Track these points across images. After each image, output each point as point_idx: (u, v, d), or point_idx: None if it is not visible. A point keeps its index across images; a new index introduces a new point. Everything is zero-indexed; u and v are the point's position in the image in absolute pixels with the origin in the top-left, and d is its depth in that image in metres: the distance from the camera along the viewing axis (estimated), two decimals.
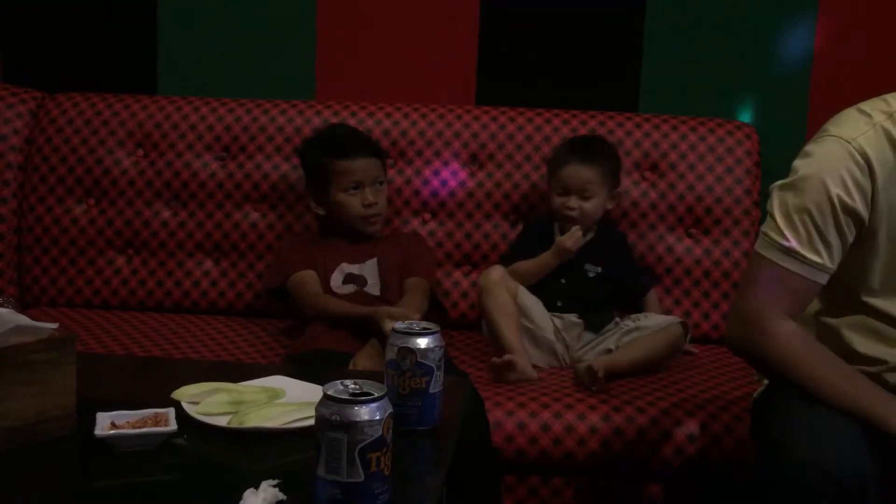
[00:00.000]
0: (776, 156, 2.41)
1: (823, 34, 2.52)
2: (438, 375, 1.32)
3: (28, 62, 2.70)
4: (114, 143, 2.43)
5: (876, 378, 1.46)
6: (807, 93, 2.53)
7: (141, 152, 2.44)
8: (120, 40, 2.70)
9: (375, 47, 2.50)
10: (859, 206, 1.39)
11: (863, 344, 1.49)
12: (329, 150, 2.19)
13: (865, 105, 1.45)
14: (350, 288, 2.16)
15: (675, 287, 2.34)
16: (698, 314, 2.33)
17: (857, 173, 1.38)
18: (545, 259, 2.17)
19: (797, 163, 1.44)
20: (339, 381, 1.09)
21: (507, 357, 1.97)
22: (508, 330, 2.05)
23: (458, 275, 2.39)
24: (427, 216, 2.40)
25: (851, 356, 1.47)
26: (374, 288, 2.17)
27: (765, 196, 2.34)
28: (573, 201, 2.19)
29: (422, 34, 2.61)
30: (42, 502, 1.14)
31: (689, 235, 2.36)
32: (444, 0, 2.60)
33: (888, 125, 1.40)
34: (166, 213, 2.42)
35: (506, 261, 2.22)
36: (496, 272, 2.12)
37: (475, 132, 2.42)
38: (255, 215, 2.41)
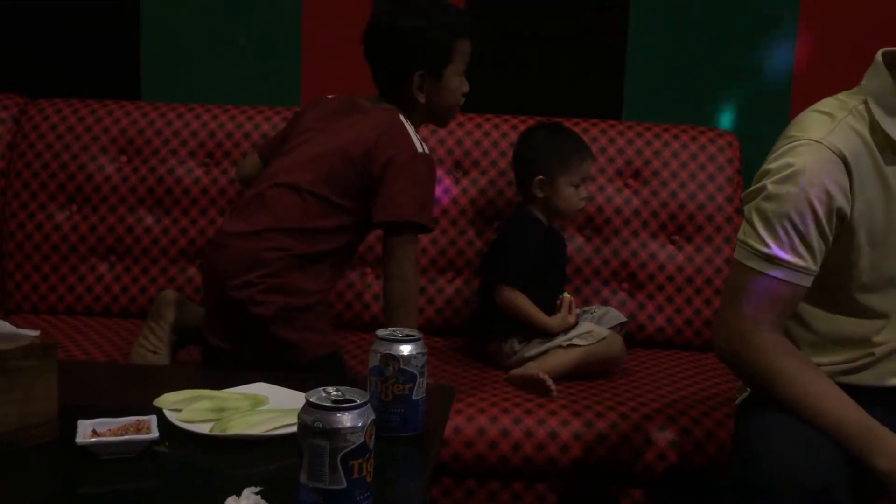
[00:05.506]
0: (757, 164, 2.41)
1: (804, 43, 2.54)
2: (421, 382, 1.33)
3: (10, 67, 2.69)
4: (97, 150, 2.42)
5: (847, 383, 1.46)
6: (787, 101, 2.55)
7: (124, 158, 2.43)
8: (103, 46, 2.69)
9: (360, 54, 2.51)
10: (841, 202, 1.39)
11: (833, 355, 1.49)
12: (458, 28, 1.95)
13: (821, 106, 1.46)
14: None
15: (658, 293, 2.35)
16: (681, 321, 2.34)
17: (836, 171, 1.38)
18: (544, 324, 2.09)
19: (772, 167, 1.42)
20: (321, 388, 1.09)
21: (548, 381, 1.95)
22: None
23: (442, 281, 2.39)
24: None
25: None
26: None
27: None
28: (584, 191, 2.20)
29: None
30: None
31: (672, 242, 2.37)
32: None
33: (850, 120, 1.42)
34: (149, 220, 2.41)
35: (514, 282, 2.11)
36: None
37: (459, 139, 2.42)
38: None
